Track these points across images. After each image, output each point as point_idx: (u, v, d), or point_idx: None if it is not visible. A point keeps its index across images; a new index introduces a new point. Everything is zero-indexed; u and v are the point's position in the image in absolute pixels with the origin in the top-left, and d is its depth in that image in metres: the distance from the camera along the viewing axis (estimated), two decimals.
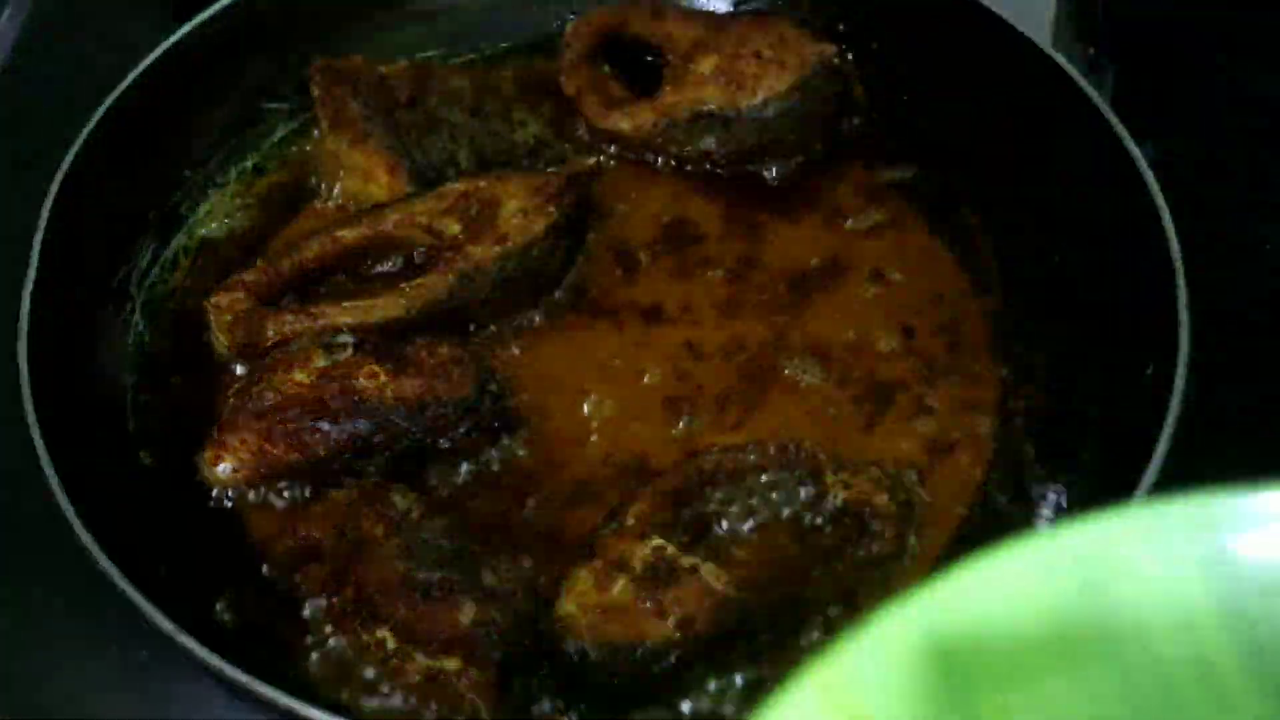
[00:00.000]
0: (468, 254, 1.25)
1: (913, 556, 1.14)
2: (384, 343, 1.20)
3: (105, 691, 1.18)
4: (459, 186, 1.30)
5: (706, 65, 1.36)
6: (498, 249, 1.26)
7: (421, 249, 1.28)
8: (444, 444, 1.18)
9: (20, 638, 1.20)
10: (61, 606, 1.20)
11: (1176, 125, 1.62)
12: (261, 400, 1.17)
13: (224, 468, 1.17)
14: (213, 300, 1.26)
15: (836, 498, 1.14)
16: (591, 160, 1.36)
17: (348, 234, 1.28)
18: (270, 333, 1.23)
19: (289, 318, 1.24)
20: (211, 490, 1.18)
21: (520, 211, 1.27)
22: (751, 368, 1.27)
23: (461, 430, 1.18)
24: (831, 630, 1.09)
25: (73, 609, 1.19)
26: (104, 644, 1.18)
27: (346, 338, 1.20)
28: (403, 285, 1.25)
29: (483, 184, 1.30)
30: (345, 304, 1.24)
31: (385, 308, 1.23)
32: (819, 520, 1.15)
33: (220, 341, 1.25)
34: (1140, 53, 1.62)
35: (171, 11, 1.44)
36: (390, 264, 1.30)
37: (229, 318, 1.24)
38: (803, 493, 1.15)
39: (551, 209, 1.28)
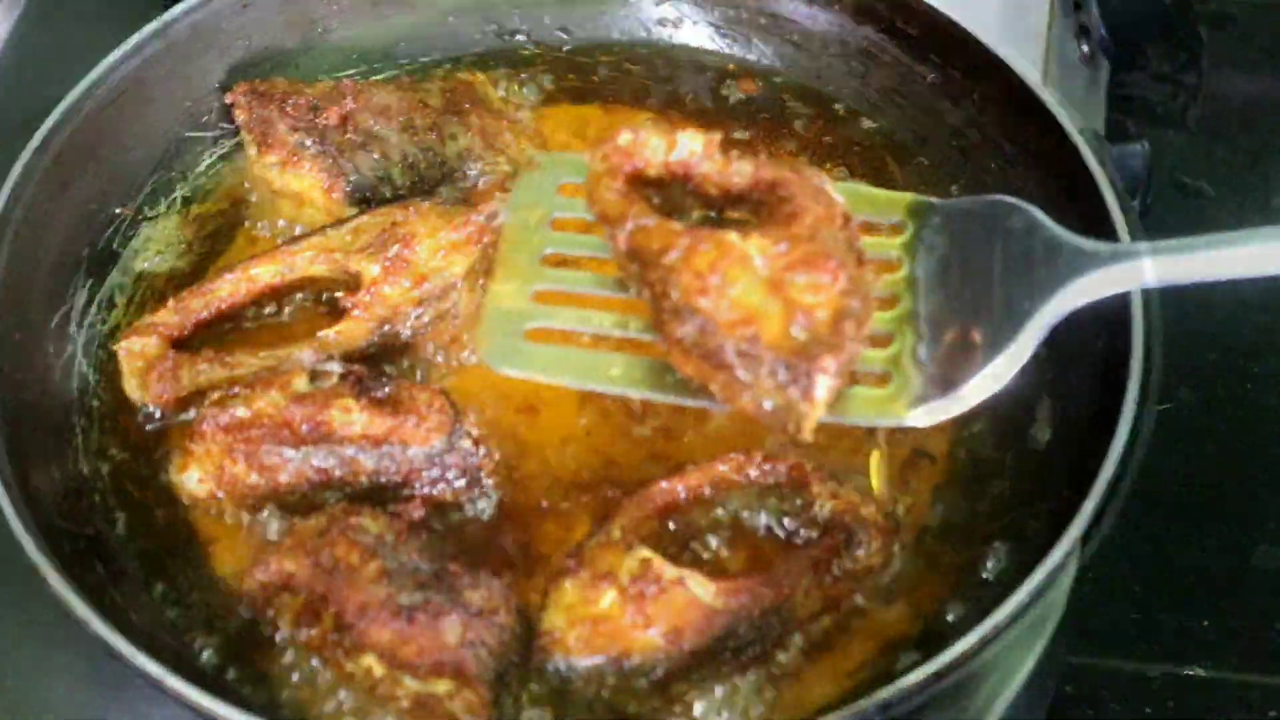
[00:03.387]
0: (384, 298, 1.23)
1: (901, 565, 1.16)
2: (370, 377, 1.18)
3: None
4: (376, 220, 1.27)
5: None
6: (415, 293, 1.23)
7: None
8: (406, 492, 1.16)
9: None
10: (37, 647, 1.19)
11: (1170, 121, 1.66)
12: (231, 414, 1.15)
13: (190, 476, 1.16)
14: (123, 344, 1.22)
15: (823, 508, 1.14)
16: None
17: (262, 273, 1.25)
18: (185, 380, 1.20)
19: (203, 366, 1.20)
20: (177, 518, 1.17)
21: (439, 251, 1.24)
22: None
23: (425, 477, 1.16)
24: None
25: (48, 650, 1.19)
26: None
27: (335, 366, 1.18)
28: (321, 333, 1.22)
29: (399, 217, 1.26)
30: (262, 353, 1.22)
31: (303, 356, 1.21)
32: (806, 532, 1.14)
33: (133, 387, 1.21)
34: (1135, 51, 1.66)
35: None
36: (311, 297, 1.28)
37: (141, 364, 1.20)
38: (789, 504, 1.15)
39: (471, 249, 1.25)
